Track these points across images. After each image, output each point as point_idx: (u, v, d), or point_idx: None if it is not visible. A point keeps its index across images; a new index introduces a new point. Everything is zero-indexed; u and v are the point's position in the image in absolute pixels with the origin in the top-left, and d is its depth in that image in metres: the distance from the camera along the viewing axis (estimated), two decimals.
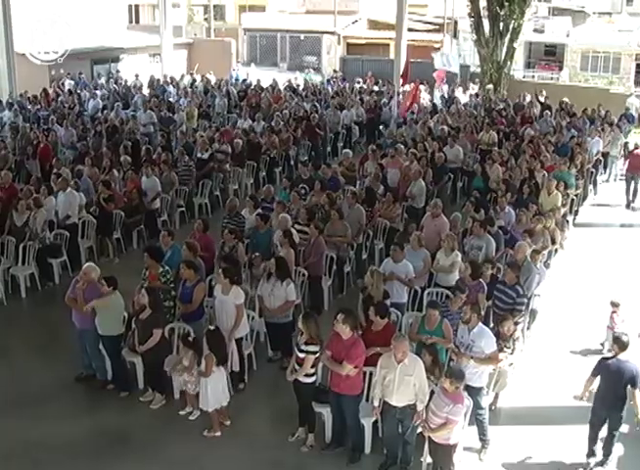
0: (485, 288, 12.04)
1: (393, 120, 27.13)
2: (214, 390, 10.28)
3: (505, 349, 10.70)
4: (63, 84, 34.12)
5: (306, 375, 9.89)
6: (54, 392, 11.58)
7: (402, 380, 9.21)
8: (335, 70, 45.18)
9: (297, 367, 9.90)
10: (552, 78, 47.02)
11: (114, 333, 11.33)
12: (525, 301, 12.20)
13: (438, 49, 42.80)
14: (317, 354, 9.79)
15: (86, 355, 11.78)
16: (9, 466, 9.94)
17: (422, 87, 32.78)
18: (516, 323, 11.34)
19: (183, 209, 19.17)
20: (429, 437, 9.34)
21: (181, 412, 11.00)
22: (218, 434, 10.47)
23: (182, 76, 37.38)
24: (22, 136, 22.60)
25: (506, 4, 34.11)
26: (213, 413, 10.43)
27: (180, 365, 10.57)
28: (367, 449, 10.15)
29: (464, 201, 18.08)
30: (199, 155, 20.49)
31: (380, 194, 16.77)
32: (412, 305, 12.89)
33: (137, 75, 35.41)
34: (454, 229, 14.45)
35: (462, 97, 32.51)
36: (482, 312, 11.22)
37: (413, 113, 27.84)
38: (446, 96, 32.85)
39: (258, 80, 35.12)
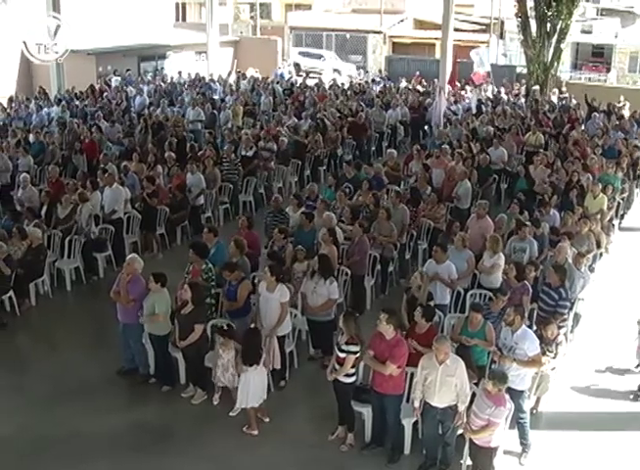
0: (530, 290, 11.96)
1: (434, 122, 26.92)
2: (255, 387, 10.32)
3: (548, 352, 10.62)
4: (110, 80, 34.47)
5: (346, 375, 9.90)
6: (97, 385, 11.71)
7: (444, 381, 9.19)
8: (380, 71, 45.06)
9: (337, 367, 9.91)
10: (599, 80, 46.52)
11: (162, 333, 11.41)
12: (568, 304, 12.09)
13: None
14: (358, 354, 9.80)
15: (129, 349, 11.89)
16: (57, 455, 10.10)
17: (467, 87, 32.64)
18: (559, 327, 11.25)
19: (227, 206, 19.26)
20: (469, 439, 9.32)
21: (215, 402, 11.15)
22: (255, 432, 10.47)
23: (229, 74, 37.58)
24: (70, 131, 22.85)
25: (554, 4, 33.76)
26: (250, 410, 10.46)
27: (220, 361, 10.67)
28: (407, 450, 10.13)
29: (508, 202, 17.96)
30: (243, 152, 20.52)
31: (426, 194, 16.70)
32: (455, 306, 12.85)
33: (180, 73, 35.66)
34: (499, 231, 14.37)
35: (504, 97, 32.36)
36: (526, 315, 11.16)
37: (456, 114, 27.72)
38: (491, 97, 32.61)
39: (304, 79, 35.18)
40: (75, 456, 10.07)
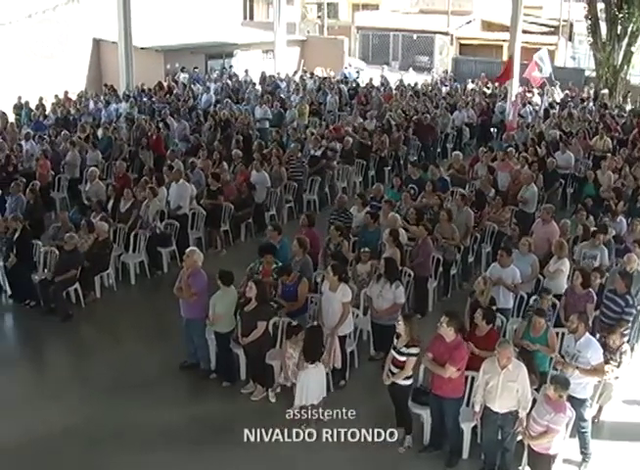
0: (595, 298, 11.78)
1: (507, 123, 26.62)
2: (314, 384, 10.38)
3: (611, 361, 10.47)
4: (177, 78, 34.85)
5: (405, 377, 9.89)
6: (159, 378, 11.89)
7: (505, 386, 9.12)
8: (445, 71, 44.70)
9: (395, 370, 9.90)
10: None
11: (225, 330, 11.50)
12: (634, 311, 11.87)
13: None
14: (417, 357, 9.78)
15: (191, 344, 12.01)
16: (118, 446, 10.27)
17: (535, 90, 32.29)
18: (622, 334, 11.08)
19: (291, 204, 19.34)
20: (528, 445, 9.23)
21: (272, 400, 11.22)
22: (312, 429, 10.36)
23: (295, 73, 37.76)
24: (137, 127, 23.15)
25: (625, 6, 33.15)
26: (309, 407, 10.50)
27: (292, 361, 10.69)
28: (465, 454, 10.07)
29: (574, 207, 17.72)
30: (311, 152, 20.58)
31: (490, 197, 16.57)
32: (518, 310, 12.72)
33: (247, 71, 35.86)
34: (563, 236, 14.18)
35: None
36: (590, 323, 11.00)
37: (523, 117, 27.44)
38: (558, 100, 32.21)
39: (370, 79, 35.14)
40: (136, 448, 10.25)
